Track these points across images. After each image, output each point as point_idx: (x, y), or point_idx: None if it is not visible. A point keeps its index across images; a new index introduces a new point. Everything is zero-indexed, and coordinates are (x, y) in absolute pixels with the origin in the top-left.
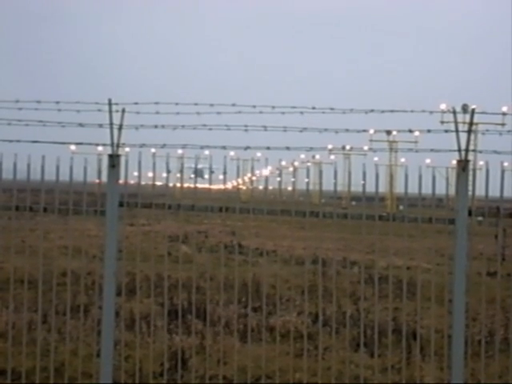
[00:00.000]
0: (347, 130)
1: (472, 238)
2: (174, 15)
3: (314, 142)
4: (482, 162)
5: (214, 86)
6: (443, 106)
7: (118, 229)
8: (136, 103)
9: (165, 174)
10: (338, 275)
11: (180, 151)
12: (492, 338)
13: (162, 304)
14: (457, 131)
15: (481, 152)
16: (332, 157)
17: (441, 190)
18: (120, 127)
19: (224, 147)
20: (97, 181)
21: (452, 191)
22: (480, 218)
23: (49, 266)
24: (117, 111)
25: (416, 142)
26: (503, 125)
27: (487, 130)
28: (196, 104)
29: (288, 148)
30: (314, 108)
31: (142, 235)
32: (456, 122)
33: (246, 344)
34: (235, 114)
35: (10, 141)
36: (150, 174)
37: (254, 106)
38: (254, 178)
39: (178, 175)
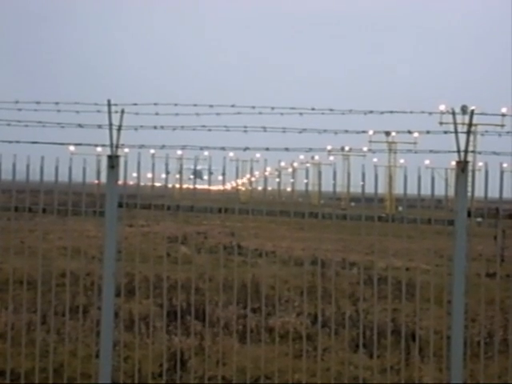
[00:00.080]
0: (346, 131)
1: (471, 239)
2: (174, 15)
3: (313, 143)
4: (481, 163)
5: (214, 86)
6: (442, 107)
7: (117, 229)
8: (135, 104)
9: (164, 175)
10: (337, 276)
11: (179, 152)
12: (491, 339)
13: (161, 305)
14: (456, 132)
15: (480, 153)
16: (331, 158)
17: (440, 191)
18: (119, 128)
19: (223, 148)
20: (96, 181)
21: (451, 192)
22: (479, 219)
23: (48, 266)
24: (116, 112)
25: (415, 143)
26: (502, 126)
27: (486, 131)
28: (195, 105)
29: (287, 149)
30: (313, 109)
31: (141, 236)
32: (455, 123)
33: (245, 345)
34: (234, 114)
35: (10, 141)
36: (149, 175)
37: (254, 107)
38: (253, 179)
39: (177, 176)
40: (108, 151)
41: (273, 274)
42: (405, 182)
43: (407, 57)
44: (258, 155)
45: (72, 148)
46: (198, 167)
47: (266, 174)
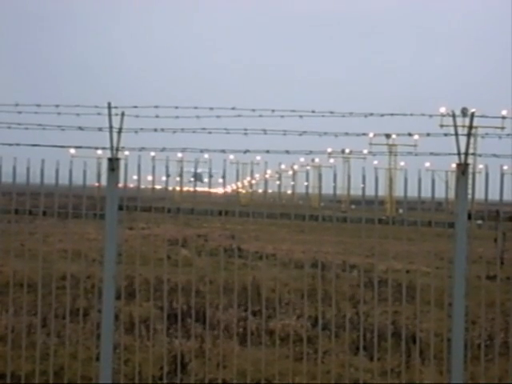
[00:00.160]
0: (347, 134)
1: (471, 241)
2: (173, 17)
3: (314, 146)
4: (481, 166)
5: (214, 88)
6: (443, 110)
7: (117, 232)
8: (135, 107)
9: (164, 178)
10: (338, 279)
11: (179, 155)
12: (492, 341)
13: (162, 307)
14: (456, 135)
15: (480, 155)
16: (331, 160)
17: (440, 193)
18: (119, 131)
19: (223, 151)
20: (96, 184)
21: (451, 195)
22: (479, 222)
23: (48, 269)
24: (116, 115)
25: (415, 146)
26: (503, 128)
27: (487, 134)
28: (195, 107)
29: (287, 151)
30: (313, 111)
31: (142, 239)
32: (455, 126)
33: (245, 348)
34: (235, 117)
35: (10, 144)
36: (150, 178)
37: (254, 110)
38: (253, 182)
39: (178, 179)
40: (108, 154)
41: (273, 277)
42: (405, 184)
43: (407, 58)
44: (258, 158)
45: (72, 151)
46: (199, 170)
47: (267, 176)
